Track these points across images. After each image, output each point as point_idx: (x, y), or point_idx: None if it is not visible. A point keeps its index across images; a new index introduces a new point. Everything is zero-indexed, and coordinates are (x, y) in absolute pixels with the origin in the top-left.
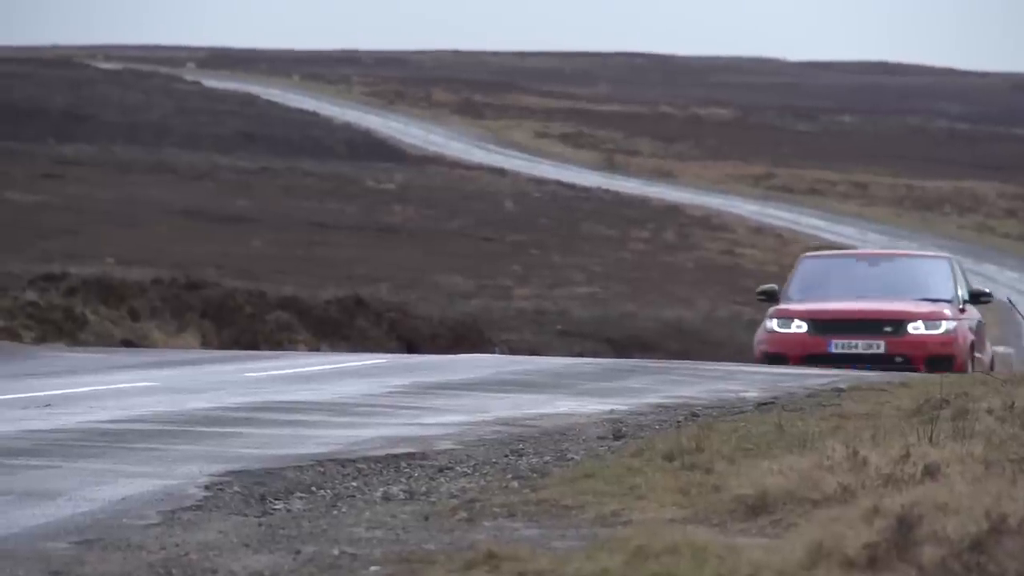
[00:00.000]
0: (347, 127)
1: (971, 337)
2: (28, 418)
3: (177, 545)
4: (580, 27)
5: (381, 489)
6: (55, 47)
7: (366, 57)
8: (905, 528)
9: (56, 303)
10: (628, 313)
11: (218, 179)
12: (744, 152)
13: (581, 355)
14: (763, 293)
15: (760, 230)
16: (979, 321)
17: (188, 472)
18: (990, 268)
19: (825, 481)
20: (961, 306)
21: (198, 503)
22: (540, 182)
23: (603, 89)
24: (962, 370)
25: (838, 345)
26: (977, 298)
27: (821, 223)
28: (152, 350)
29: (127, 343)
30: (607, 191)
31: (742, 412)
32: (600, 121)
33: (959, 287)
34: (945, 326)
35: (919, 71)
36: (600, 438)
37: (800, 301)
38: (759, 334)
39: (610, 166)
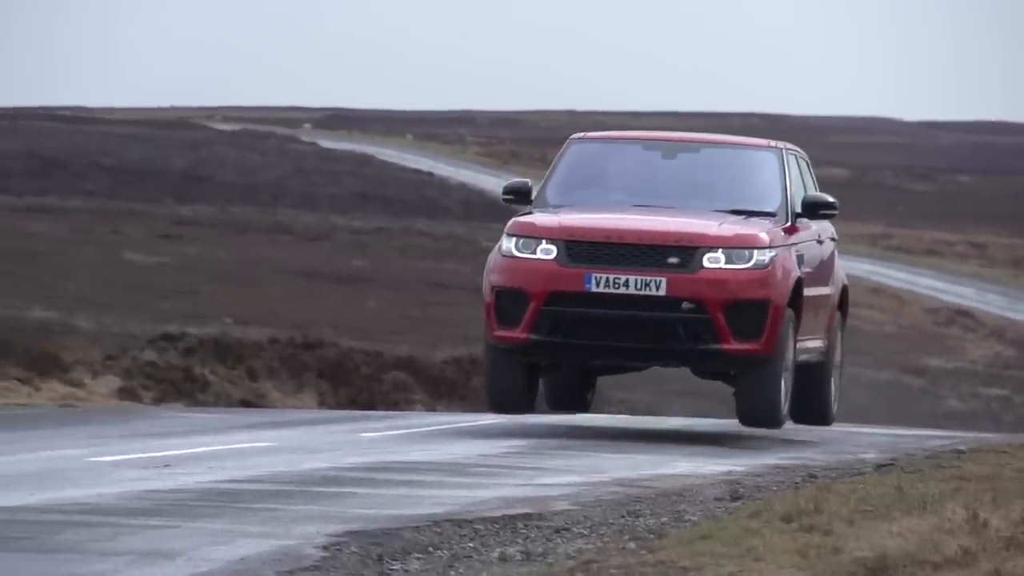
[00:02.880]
0: (462, 187)
1: (796, 272)
2: (147, 478)
3: None
4: (695, 87)
5: (498, 550)
6: (173, 108)
7: (481, 117)
8: None
9: (174, 363)
10: None
11: (334, 239)
12: (860, 212)
13: (700, 416)
14: (511, 192)
15: (877, 291)
16: (819, 242)
17: (305, 532)
18: None
19: (945, 543)
20: (789, 223)
21: (316, 564)
22: None
23: None
24: (779, 318)
25: (599, 281)
26: (815, 210)
27: (939, 284)
28: (270, 410)
29: (245, 403)
30: None
31: (861, 473)
32: None
33: (790, 194)
34: (757, 257)
35: None
36: (717, 499)
37: (557, 208)
38: (491, 259)
39: None
